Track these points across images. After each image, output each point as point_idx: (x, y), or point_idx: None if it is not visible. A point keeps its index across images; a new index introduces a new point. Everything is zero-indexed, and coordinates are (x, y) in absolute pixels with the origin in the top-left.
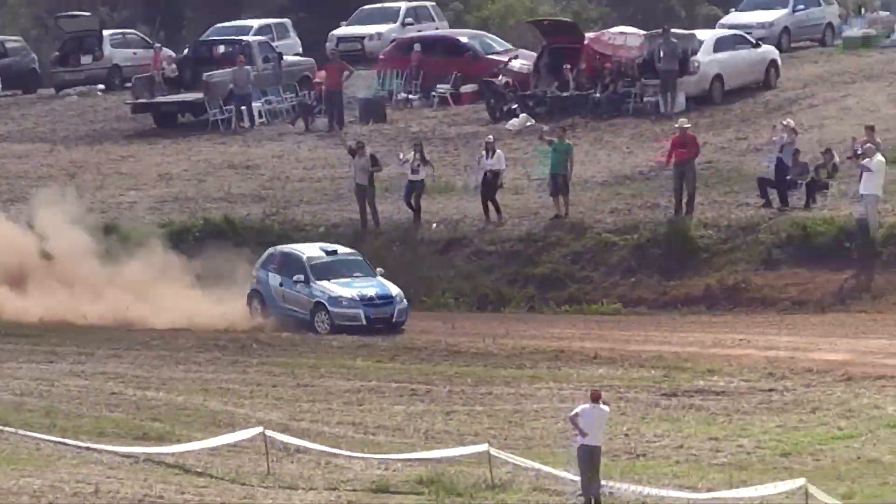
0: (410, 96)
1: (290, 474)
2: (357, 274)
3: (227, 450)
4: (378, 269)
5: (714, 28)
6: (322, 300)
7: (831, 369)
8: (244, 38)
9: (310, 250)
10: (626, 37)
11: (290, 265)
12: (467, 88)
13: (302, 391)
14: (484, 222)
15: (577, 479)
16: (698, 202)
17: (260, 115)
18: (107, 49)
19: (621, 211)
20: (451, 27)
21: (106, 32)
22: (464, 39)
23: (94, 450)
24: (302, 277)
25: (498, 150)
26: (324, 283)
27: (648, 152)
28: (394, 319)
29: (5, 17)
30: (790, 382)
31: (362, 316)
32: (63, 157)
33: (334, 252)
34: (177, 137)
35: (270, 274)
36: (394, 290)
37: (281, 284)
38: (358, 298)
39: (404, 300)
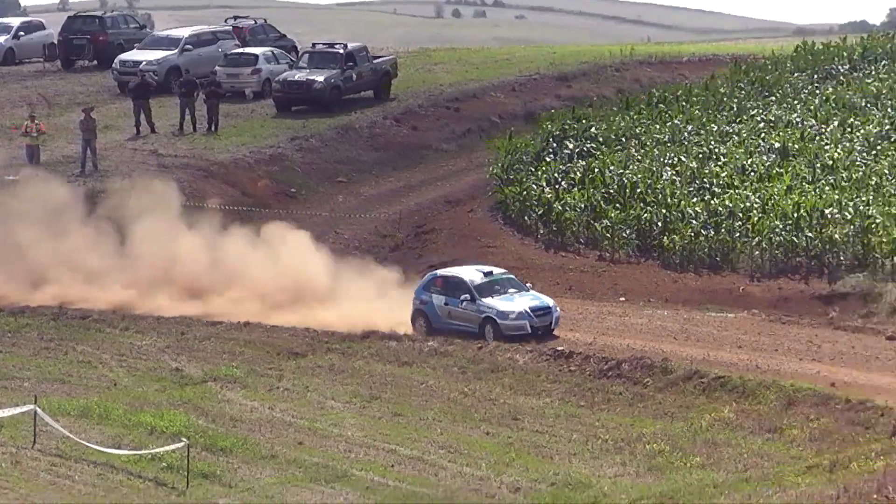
0: None
1: None
2: (511, 290)
3: None
4: (528, 284)
5: None
6: (491, 315)
7: None
8: None
9: (469, 273)
10: None
11: (454, 287)
12: None
13: None
14: None
15: None
16: None
17: None
18: None
19: None
20: None
21: None
22: None
23: None
24: (468, 297)
25: None
26: (488, 299)
27: None
28: (551, 327)
29: None
30: None
31: (528, 326)
32: None
33: (490, 273)
34: None
35: (434, 295)
36: (550, 301)
37: (446, 303)
38: (523, 312)
39: (558, 309)
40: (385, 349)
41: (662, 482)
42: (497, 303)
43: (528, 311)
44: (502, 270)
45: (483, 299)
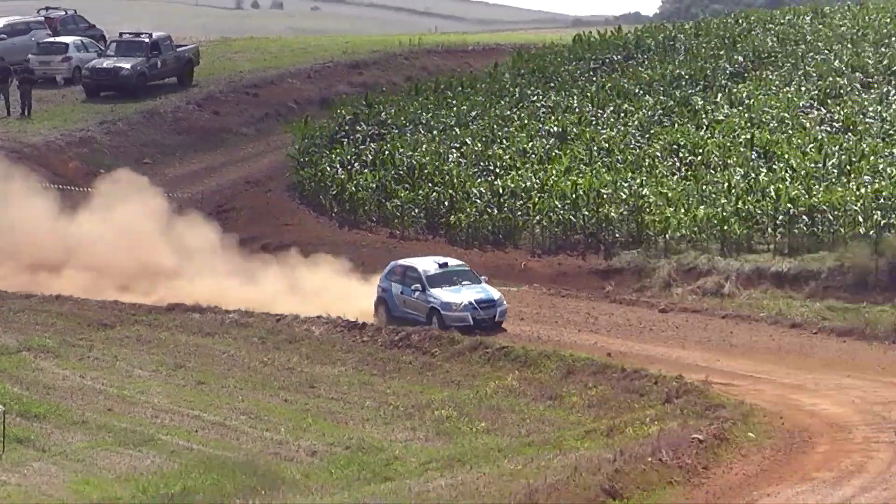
0: None
1: None
2: (465, 282)
3: None
4: (482, 277)
5: None
6: (436, 305)
7: None
8: None
9: (424, 263)
10: None
11: (409, 276)
12: None
13: None
14: None
15: None
16: None
17: None
18: None
19: None
20: None
21: None
22: None
23: None
24: (420, 286)
25: None
26: (436, 290)
27: None
28: (496, 319)
29: None
30: None
31: (470, 318)
32: None
33: (445, 264)
34: None
35: (393, 284)
36: (496, 294)
37: (402, 292)
38: (466, 303)
39: (504, 303)
40: (189, 321)
41: (450, 446)
42: (443, 294)
43: (472, 303)
44: (459, 262)
45: (432, 290)
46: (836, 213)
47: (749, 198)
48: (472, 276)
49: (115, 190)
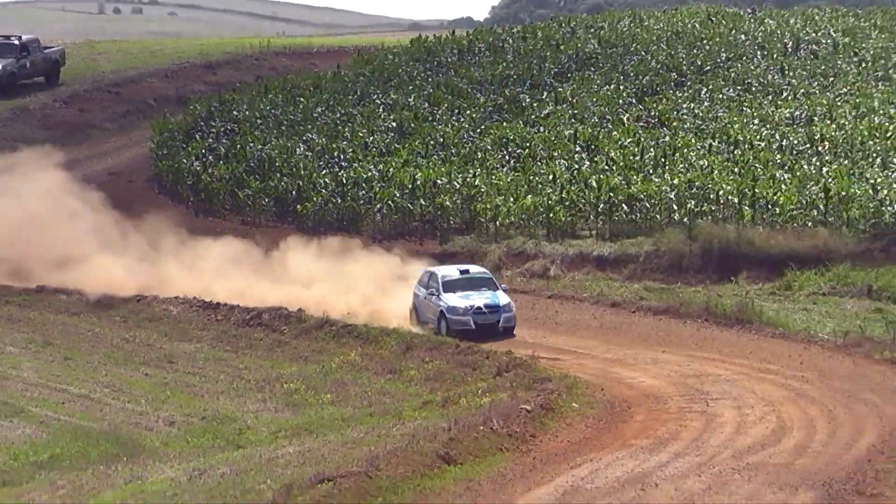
0: None
1: None
2: (483, 289)
3: None
4: (503, 286)
5: None
6: (443, 309)
7: None
8: None
9: (446, 270)
10: None
11: (432, 282)
12: None
13: None
14: None
15: None
16: None
17: None
18: None
19: None
20: None
21: None
22: None
23: None
24: (435, 291)
25: None
26: (448, 295)
27: None
28: (500, 325)
29: None
30: None
31: (471, 322)
32: None
33: (466, 271)
34: None
35: (421, 289)
36: (503, 300)
37: (425, 298)
38: (469, 308)
39: (512, 310)
40: (56, 301)
41: (298, 416)
42: (452, 298)
43: (477, 307)
44: (482, 270)
45: (444, 294)
46: (652, 201)
47: (573, 188)
48: (491, 284)
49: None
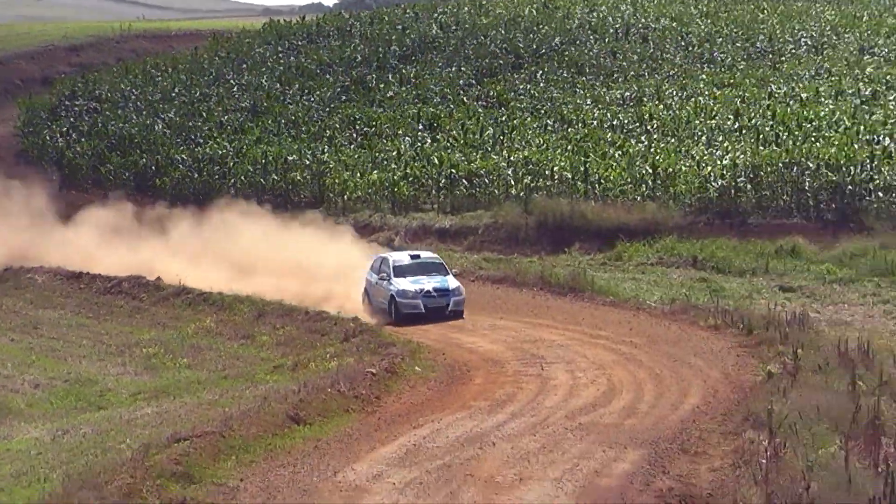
0: None
1: None
2: (434, 273)
3: None
4: (453, 270)
5: None
6: (393, 293)
7: None
8: None
9: (398, 255)
10: None
11: (384, 267)
12: None
13: None
14: None
15: None
16: None
17: None
18: None
19: None
20: None
21: None
22: None
23: None
24: (386, 276)
25: None
26: (399, 279)
27: None
28: (449, 308)
29: None
30: None
31: (421, 305)
32: None
33: (417, 256)
34: None
35: (373, 274)
36: (452, 284)
37: (377, 283)
38: (418, 291)
39: (463, 293)
40: None
41: (156, 379)
42: (402, 283)
43: (426, 291)
44: (432, 256)
45: (395, 279)
46: (491, 177)
47: (416, 164)
48: (442, 269)
49: None
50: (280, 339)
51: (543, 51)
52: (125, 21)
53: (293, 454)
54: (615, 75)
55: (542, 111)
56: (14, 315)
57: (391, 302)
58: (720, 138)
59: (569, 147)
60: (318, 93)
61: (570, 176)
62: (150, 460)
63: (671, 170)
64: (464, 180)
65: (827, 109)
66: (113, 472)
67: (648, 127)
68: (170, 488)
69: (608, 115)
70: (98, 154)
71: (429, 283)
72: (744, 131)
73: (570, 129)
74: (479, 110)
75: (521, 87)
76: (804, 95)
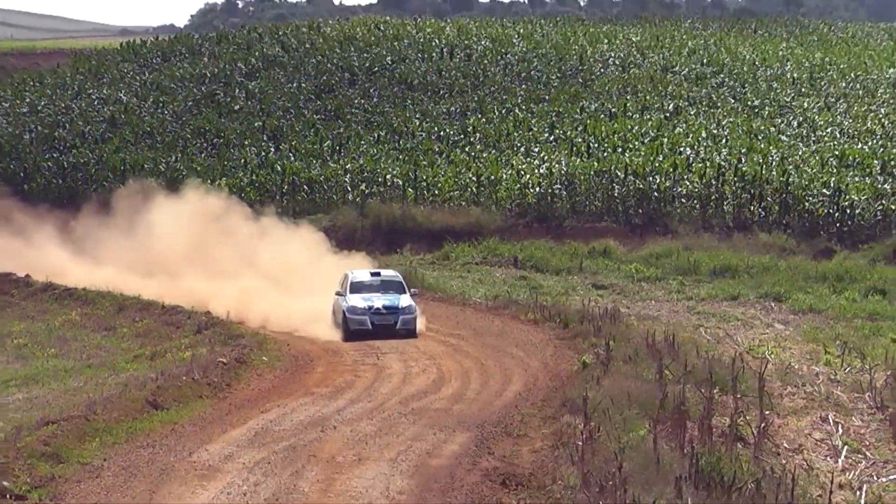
0: None
1: None
2: (391, 291)
3: None
4: (413, 290)
5: None
6: (345, 309)
7: None
8: None
9: (359, 272)
10: None
11: (344, 283)
12: None
13: None
14: None
15: None
16: None
17: None
18: None
19: None
20: None
21: None
22: None
23: None
24: (343, 291)
25: None
26: (353, 296)
27: None
28: (397, 326)
29: None
30: None
31: (368, 322)
32: None
33: (377, 273)
34: None
35: (338, 291)
36: (403, 303)
37: (336, 299)
38: (367, 308)
39: (414, 312)
40: None
41: (26, 368)
42: (354, 299)
43: (374, 308)
44: (392, 273)
45: (349, 295)
46: (329, 183)
47: (261, 171)
48: (399, 287)
49: None
50: (139, 331)
51: (376, 69)
52: None
53: (152, 436)
54: (441, 91)
55: (376, 124)
56: None
57: (343, 318)
58: (537, 149)
59: (400, 157)
60: (171, 106)
61: (401, 183)
62: (21, 442)
63: (493, 177)
64: (305, 186)
65: (634, 123)
66: None
67: (472, 139)
68: (40, 467)
69: (435, 127)
70: None
71: (379, 300)
72: (559, 143)
73: (401, 141)
74: (319, 123)
75: (357, 101)
76: (613, 110)
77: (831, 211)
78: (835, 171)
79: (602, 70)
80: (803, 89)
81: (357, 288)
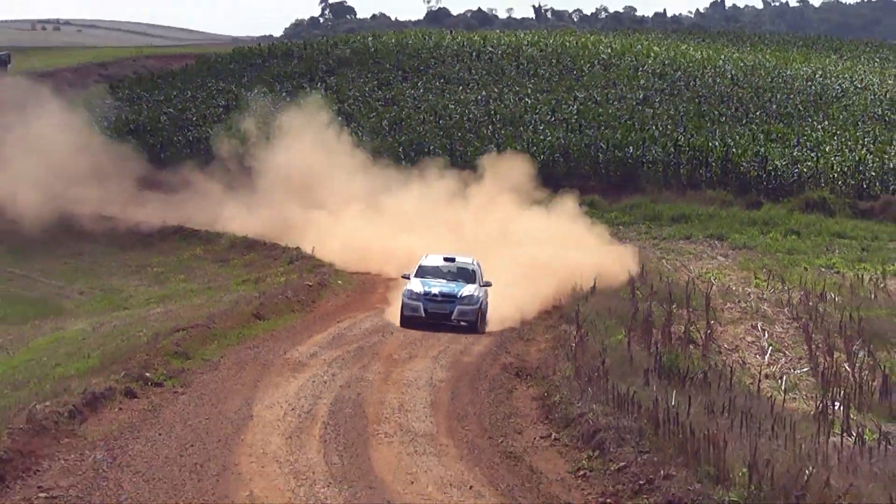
0: None
1: None
2: (460, 280)
3: None
4: (487, 281)
5: None
6: (403, 293)
7: None
8: None
9: (430, 256)
10: None
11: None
12: None
13: None
14: None
15: None
16: None
17: None
18: None
19: None
20: None
21: None
22: None
23: None
24: (409, 275)
25: None
26: (415, 280)
27: None
28: (452, 317)
29: None
30: None
31: (422, 308)
32: None
33: (451, 259)
34: None
35: (405, 273)
36: (466, 292)
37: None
38: (423, 294)
39: (476, 304)
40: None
41: (163, 289)
42: (415, 283)
43: (430, 294)
44: (468, 260)
45: (413, 279)
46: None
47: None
48: (471, 276)
49: None
50: (246, 262)
51: (422, 68)
52: (139, 47)
53: (256, 340)
54: (470, 84)
55: (422, 109)
56: (63, 246)
57: (402, 302)
58: (542, 127)
59: (440, 133)
60: (269, 96)
61: (441, 153)
62: (158, 344)
63: (510, 149)
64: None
65: (613, 108)
66: (134, 352)
67: (494, 119)
68: (173, 363)
69: (466, 111)
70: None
71: (438, 286)
72: (558, 123)
73: (441, 121)
74: (379, 108)
75: (408, 92)
76: (598, 98)
77: (760, 173)
78: (762, 143)
79: (590, 68)
80: (738, 82)
81: (424, 272)
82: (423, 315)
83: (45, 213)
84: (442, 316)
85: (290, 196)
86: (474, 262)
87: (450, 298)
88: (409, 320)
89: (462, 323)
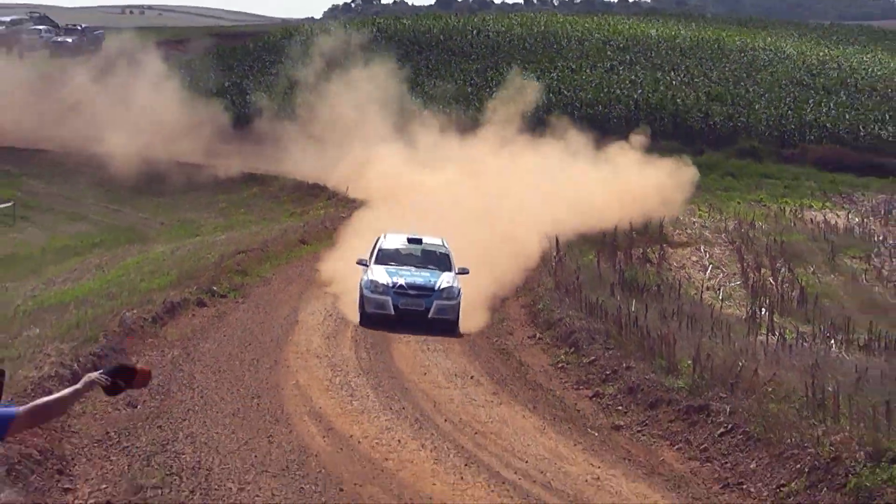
0: None
1: None
2: (430, 266)
3: None
4: (461, 268)
5: None
6: (362, 284)
7: None
8: None
9: (391, 237)
10: None
11: (372, 247)
12: None
13: None
14: None
15: None
16: None
17: None
18: None
19: None
20: None
21: None
22: None
23: None
24: (367, 261)
25: None
26: (377, 267)
27: None
28: (429, 315)
29: None
30: None
31: (390, 304)
32: None
33: (418, 241)
34: None
35: (361, 259)
36: (444, 283)
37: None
38: (390, 286)
39: (455, 298)
40: None
41: (227, 220)
42: (378, 272)
43: (399, 286)
44: (437, 243)
45: (374, 266)
46: None
47: None
48: (445, 262)
49: None
50: (293, 199)
51: (432, 43)
52: (213, 27)
53: (301, 260)
54: (472, 57)
55: (431, 76)
56: (150, 187)
57: (360, 295)
58: (528, 90)
59: (447, 97)
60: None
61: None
62: (223, 264)
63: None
64: None
65: (587, 76)
66: (204, 270)
67: (490, 86)
68: (234, 279)
69: (466, 79)
70: None
71: (409, 276)
72: (543, 87)
73: (447, 87)
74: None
75: (421, 64)
76: (573, 67)
77: (703, 127)
78: (705, 103)
79: (567, 43)
80: (686, 54)
81: (385, 257)
82: (392, 312)
83: (139, 161)
84: (416, 314)
85: (354, 147)
86: (445, 244)
87: (425, 292)
88: (372, 319)
89: (440, 321)
